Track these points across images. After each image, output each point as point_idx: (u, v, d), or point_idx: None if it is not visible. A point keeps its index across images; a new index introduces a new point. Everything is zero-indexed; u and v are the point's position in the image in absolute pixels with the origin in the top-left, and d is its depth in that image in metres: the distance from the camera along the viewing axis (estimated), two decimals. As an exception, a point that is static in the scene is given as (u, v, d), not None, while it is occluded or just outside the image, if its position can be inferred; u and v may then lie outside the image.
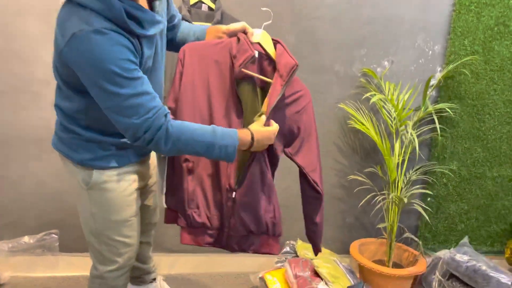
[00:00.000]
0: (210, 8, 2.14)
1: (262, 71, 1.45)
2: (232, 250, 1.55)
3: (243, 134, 1.34)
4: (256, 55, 1.41)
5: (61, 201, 2.37)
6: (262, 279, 2.25)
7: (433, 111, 2.18)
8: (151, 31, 1.24)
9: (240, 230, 1.51)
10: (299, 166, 1.52)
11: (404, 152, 2.23)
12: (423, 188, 2.42)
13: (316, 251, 1.69)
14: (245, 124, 1.45)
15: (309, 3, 2.26)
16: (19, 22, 2.18)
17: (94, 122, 1.32)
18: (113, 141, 1.35)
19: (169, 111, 1.28)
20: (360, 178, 2.36)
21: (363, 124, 2.21)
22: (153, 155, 1.61)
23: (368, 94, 2.09)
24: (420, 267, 2.18)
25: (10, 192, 2.35)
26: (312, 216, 1.59)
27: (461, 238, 2.55)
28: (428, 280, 2.32)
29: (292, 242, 2.46)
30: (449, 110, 2.20)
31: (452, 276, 2.21)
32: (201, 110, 1.43)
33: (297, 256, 2.37)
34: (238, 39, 1.40)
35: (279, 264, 2.35)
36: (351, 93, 2.37)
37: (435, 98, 2.42)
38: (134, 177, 1.46)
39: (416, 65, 2.38)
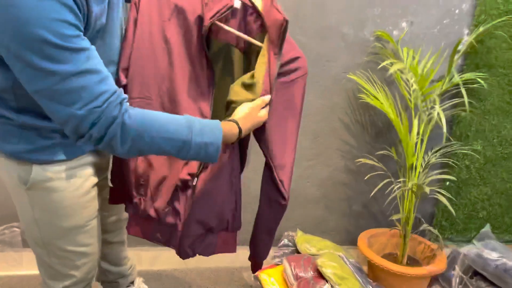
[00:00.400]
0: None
1: (246, 29, 1.08)
2: (184, 255, 1.23)
3: (228, 128, 1.02)
4: (238, 5, 1.04)
5: (22, 190, 2.05)
6: (257, 278, 1.96)
7: (460, 82, 1.82)
8: None
9: (197, 227, 1.18)
10: (265, 156, 1.17)
11: (424, 131, 1.89)
12: (444, 172, 2.09)
13: (257, 267, 1.38)
14: (216, 100, 1.11)
15: (312, -50, 1.86)
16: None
17: (28, 102, 0.98)
18: (56, 126, 1.02)
19: (127, 96, 0.94)
20: (370, 162, 2.02)
21: (376, 98, 1.86)
22: None
23: (385, 63, 1.72)
24: (440, 265, 1.89)
25: (-40, 180, 2.02)
26: (269, 224, 1.27)
27: (482, 226, 2.26)
28: (446, 276, 2.04)
29: (291, 233, 2.16)
30: (481, 81, 1.84)
31: (476, 274, 1.93)
32: (159, 76, 1.09)
33: (297, 250, 2.07)
34: None
35: (276, 260, 2.06)
36: (362, 61, 2.00)
37: (460, 67, 2.06)
38: (90, 170, 1.15)
39: (440, 26, 2.00)
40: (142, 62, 1.07)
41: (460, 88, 1.85)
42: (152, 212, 1.18)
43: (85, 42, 0.86)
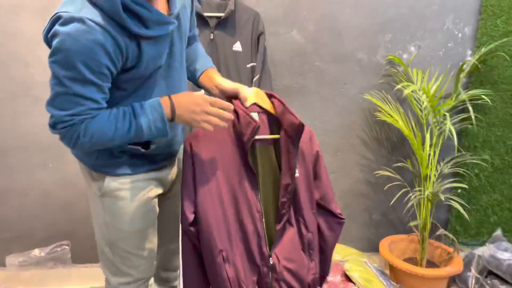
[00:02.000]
0: (222, -3, 1.96)
1: (267, 128, 1.33)
2: None
3: (165, 104, 1.16)
4: (257, 117, 1.28)
5: (71, 211, 2.24)
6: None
7: (467, 99, 2.02)
8: (157, 32, 1.09)
9: None
10: (319, 206, 1.38)
11: (436, 144, 2.08)
12: (456, 181, 2.27)
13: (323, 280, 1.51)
14: (263, 191, 1.30)
15: (328, -14, 2.08)
16: (13, 21, 2.01)
17: None
18: (124, 148, 1.24)
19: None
20: (387, 173, 2.21)
21: (391, 116, 2.05)
22: (179, 161, 1.47)
23: (400, 86, 1.92)
24: (457, 266, 2.06)
25: (16, 204, 2.22)
26: (333, 244, 1.44)
27: (493, 230, 2.42)
28: (462, 277, 2.19)
29: (316, 242, 2.33)
30: (485, 97, 2.04)
31: (490, 273, 2.09)
32: (228, 204, 1.27)
33: (323, 258, 2.24)
34: (237, 114, 1.24)
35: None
36: (376, 82, 2.20)
37: (465, 84, 2.25)
38: (151, 184, 1.34)
39: (445, 49, 2.21)
40: (214, 207, 1.24)
41: (466, 103, 2.04)
42: None
43: (101, 81, 1.04)
